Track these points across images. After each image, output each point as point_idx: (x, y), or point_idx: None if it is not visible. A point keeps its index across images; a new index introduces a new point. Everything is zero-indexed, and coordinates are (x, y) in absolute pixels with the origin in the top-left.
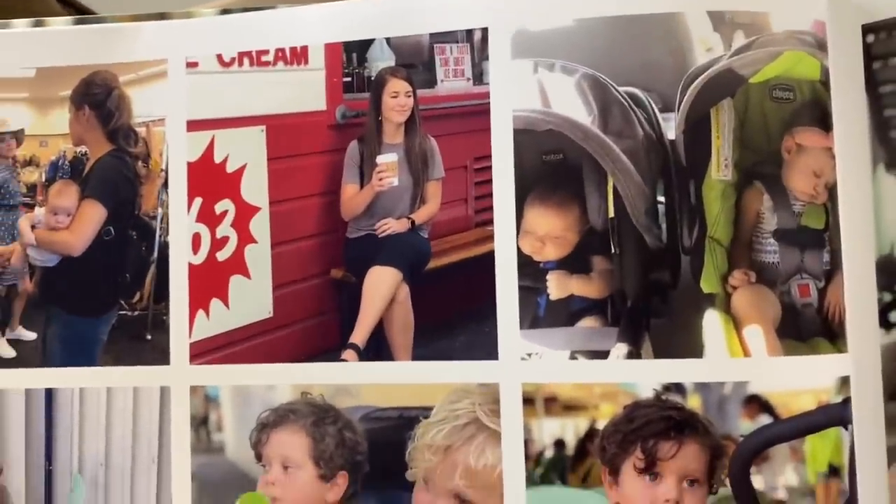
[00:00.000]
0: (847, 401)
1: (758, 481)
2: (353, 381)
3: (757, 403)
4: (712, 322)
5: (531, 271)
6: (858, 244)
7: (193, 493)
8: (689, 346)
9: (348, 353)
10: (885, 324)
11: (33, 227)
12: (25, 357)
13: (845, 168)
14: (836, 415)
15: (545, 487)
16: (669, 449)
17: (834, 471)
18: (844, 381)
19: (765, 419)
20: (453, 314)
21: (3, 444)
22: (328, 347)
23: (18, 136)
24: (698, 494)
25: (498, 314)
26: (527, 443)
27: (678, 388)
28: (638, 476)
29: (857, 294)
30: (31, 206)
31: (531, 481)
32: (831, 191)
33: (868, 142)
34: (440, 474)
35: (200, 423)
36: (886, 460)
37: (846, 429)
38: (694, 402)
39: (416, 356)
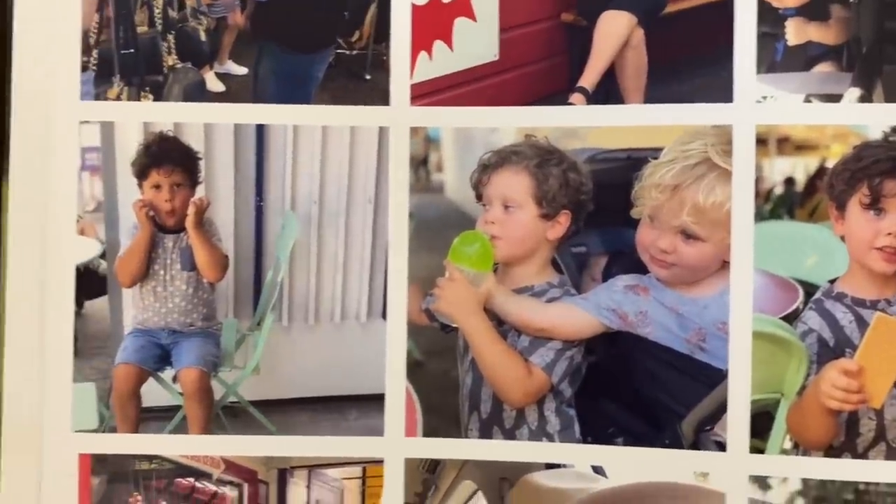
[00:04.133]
0: None
1: None
2: (580, 124)
3: None
4: None
5: (770, 17)
6: None
7: (411, 230)
8: None
9: (576, 97)
10: None
11: None
12: (235, 92)
13: None
14: None
15: (773, 222)
16: (895, 186)
17: None
18: None
19: None
20: (687, 59)
21: (211, 179)
22: (554, 91)
23: None
24: None
25: (735, 58)
26: (757, 180)
27: None
28: (863, 211)
29: None
30: None
31: (760, 216)
32: None
33: None
34: (667, 211)
35: (420, 163)
36: None
37: None
38: None
39: (648, 99)
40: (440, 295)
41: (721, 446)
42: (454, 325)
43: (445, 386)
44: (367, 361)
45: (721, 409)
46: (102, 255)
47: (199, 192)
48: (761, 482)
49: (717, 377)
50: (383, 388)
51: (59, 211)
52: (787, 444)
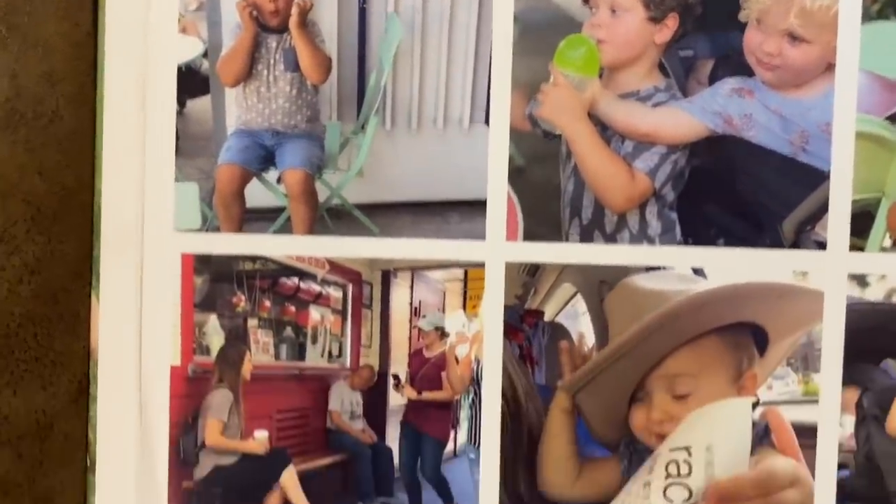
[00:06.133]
0: None
1: None
2: None
3: None
4: None
5: None
6: None
7: (515, 34)
8: None
9: None
10: None
11: None
12: None
13: None
14: None
15: (880, 22)
16: None
17: None
18: None
19: None
20: None
21: None
22: None
23: None
24: None
25: None
26: None
27: None
28: None
29: None
30: None
31: (867, 16)
32: None
33: None
34: (774, 14)
35: None
36: None
37: None
38: None
39: None
40: (544, 100)
41: (821, 245)
42: (557, 133)
43: (547, 192)
44: (470, 167)
45: (822, 209)
46: (205, 55)
47: None
48: (860, 280)
49: (819, 178)
50: (485, 194)
51: (161, 9)
52: (887, 242)
